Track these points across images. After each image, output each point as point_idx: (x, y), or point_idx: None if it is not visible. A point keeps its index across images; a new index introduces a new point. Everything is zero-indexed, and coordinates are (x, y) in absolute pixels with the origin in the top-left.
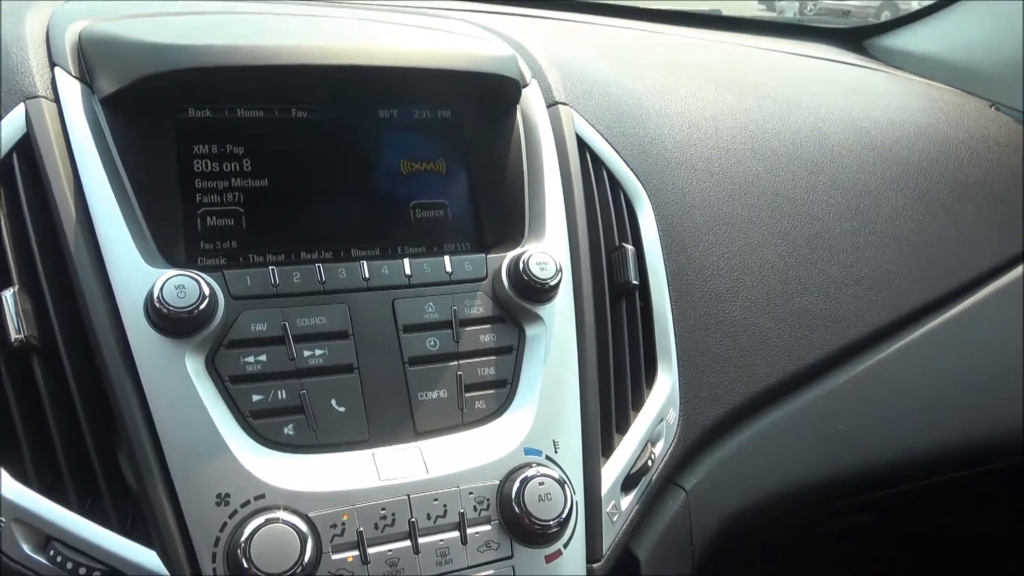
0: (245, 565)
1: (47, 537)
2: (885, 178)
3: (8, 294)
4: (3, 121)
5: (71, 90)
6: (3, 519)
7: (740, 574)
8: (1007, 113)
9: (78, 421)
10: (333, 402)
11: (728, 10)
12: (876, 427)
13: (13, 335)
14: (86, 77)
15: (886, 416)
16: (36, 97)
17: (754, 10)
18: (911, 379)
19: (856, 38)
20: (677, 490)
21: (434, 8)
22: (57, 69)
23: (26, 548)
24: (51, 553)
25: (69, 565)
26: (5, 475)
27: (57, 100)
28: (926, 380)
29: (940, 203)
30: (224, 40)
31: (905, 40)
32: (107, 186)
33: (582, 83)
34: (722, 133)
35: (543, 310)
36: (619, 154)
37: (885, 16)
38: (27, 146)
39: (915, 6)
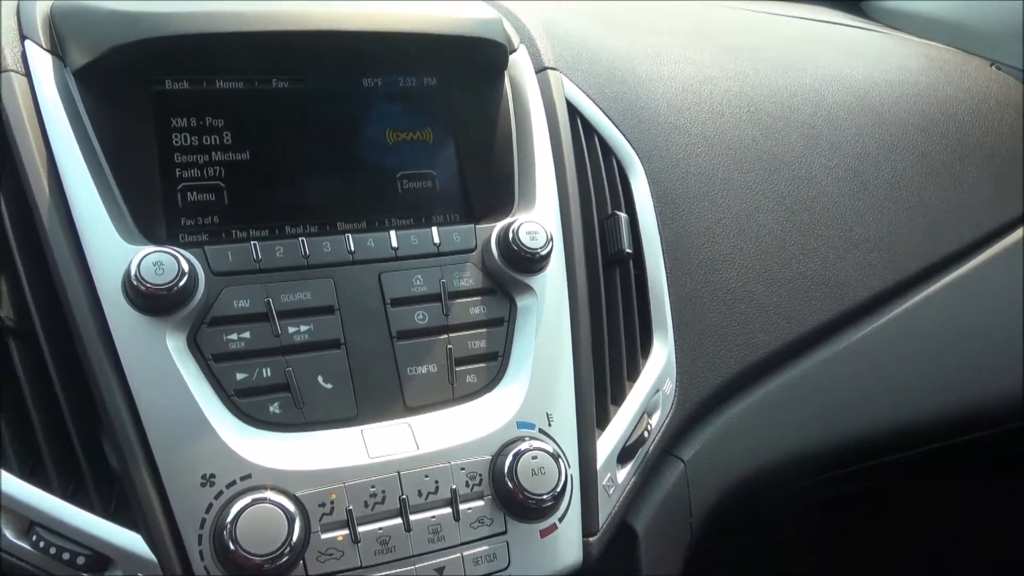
0: (232, 547)
1: (30, 523)
2: (884, 140)
3: None
4: None
5: (43, 63)
6: None
7: (739, 544)
8: (1008, 72)
9: (58, 404)
10: (320, 379)
11: None
12: (877, 393)
13: None
14: (58, 50)
15: (887, 382)
16: (6, 71)
17: None
18: (912, 344)
19: None
20: (675, 461)
21: None
22: (28, 42)
23: (9, 534)
24: (34, 539)
25: (53, 550)
26: None
27: (28, 74)
28: (927, 345)
29: (940, 164)
30: (199, 8)
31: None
32: (81, 162)
33: (572, 48)
34: (716, 97)
35: (534, 281)
36: (611, 119)
37: None
38: None
39: None
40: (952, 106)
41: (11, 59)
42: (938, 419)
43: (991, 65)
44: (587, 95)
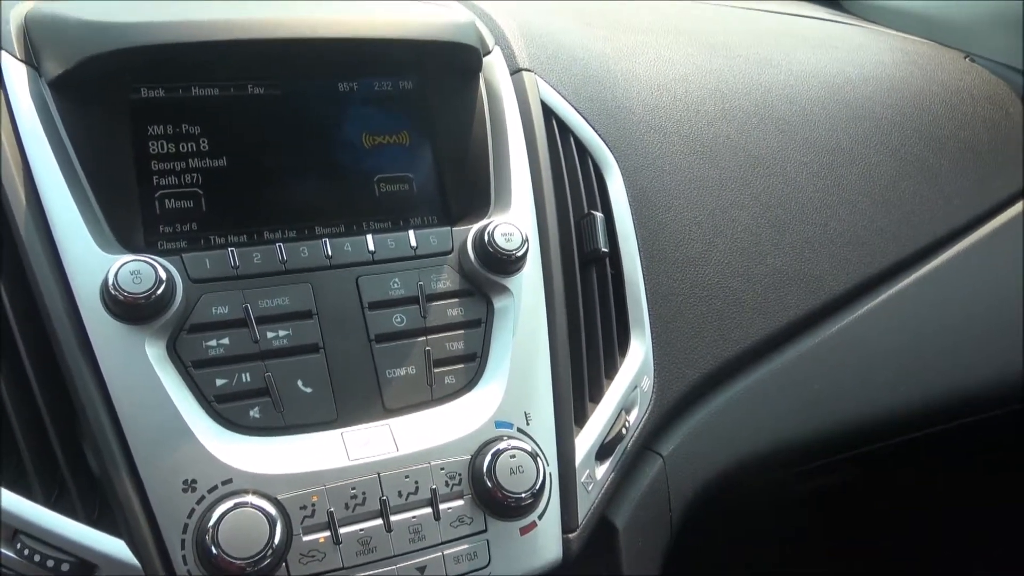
0: (214, 551)
1: (14, 530)
2: (858, 135)
3: None
4: None
5: (17, 73)
6: None
7: (719, 537)
8: (982, 64)
9: (39, 412)
10: (299, 383)
11: None
12: (853, 385)
13: None
14: (32, 60)
15: (863, 374)
16: None
17: None
18: (887, 336)
19: None
20: (654, 456)
21: None
22: (3, 53)
23: None
24: (18, 546)
25: (37, 558)
26: None
27: (2, 84)
28: (902, 337)
29: (914, 158)
30: (173, 16)
31: None
32: (57, 171)
33: (547, 48)
34: (691, 95)
35: (510, 282)
36: (586, 120)
37: None
38: None
39: None
40: (926, 99)
41: None
42: (915, 409)
43: (965, 57)
44: (562, 95)
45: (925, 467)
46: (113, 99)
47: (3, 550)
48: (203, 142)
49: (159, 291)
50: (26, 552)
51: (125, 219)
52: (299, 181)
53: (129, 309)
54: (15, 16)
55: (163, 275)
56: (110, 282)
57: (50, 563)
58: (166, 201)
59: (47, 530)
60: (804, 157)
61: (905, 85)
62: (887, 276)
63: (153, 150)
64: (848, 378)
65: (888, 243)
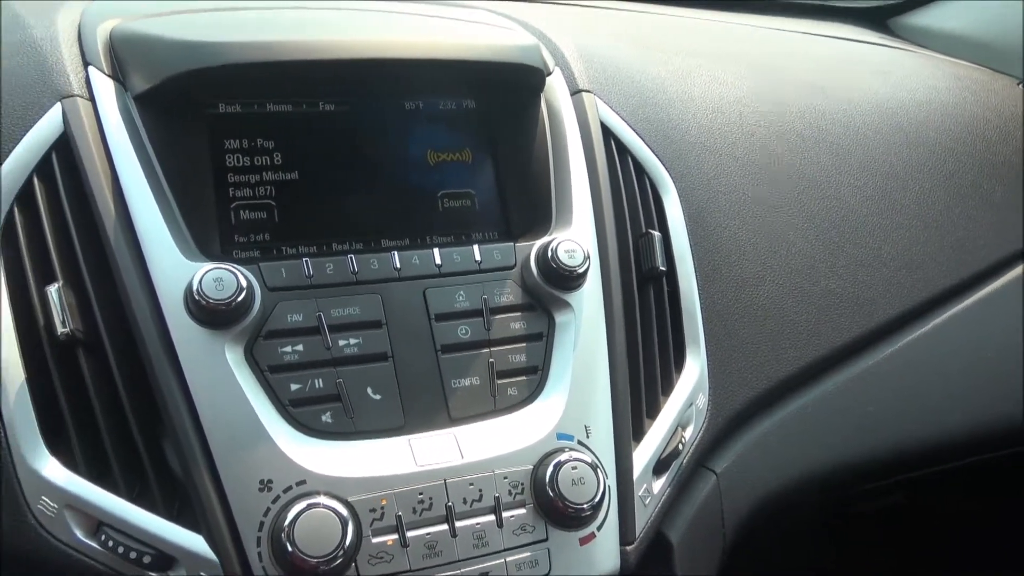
0: (289, 548)
1: (98, 523)
2: (912, 160)
3: (53, 289)
4: (41, 121)
5: (105, 88)
6: (55, 506)
7: (771, 555)
8: None
9: (124, 412)
10: (369, 390)
11: None
12: (906, 409)
13: (59, 329)
14: (119, 75)
15: (916, 398)
16: (72, 96)
17: None
18: (941, 361)
19: (880, 17)
20: (708, 473)
21: None
22: (91, 68)
23: (79, 533)
24: (102, 538)
25: (120, 549)
26: (56, 464)
27: (92, 98)
28: (956, 361)
29: (968, 184)
30: (253, 36)
31: (931, 18)
32: (144, 182)
33: (605, 70)
34: (746, 117)
35: (572, 297)
36: (644, 140)
37: None
38: (65, 145)
39: None
40: (980, 125)
41: (76, 85)
42: (969, 434)
43: (1019, 84)
44: (620, 116)
45: (979, 492)
46: (193, 113)
47: (89, 541)
48: (276, 156)
49: (240, 298)
50: (110, 543)
51: (203, 228)
52: (366, 195)
53: (211, 315)
54: (101, 33)
55: (244, 283)
56: (194, 288)
57: (132, 554)
58: (241, 212)
59: (130, 523)
60: (858, 181)
61: (959, 111)
62: (941, 301)
63: (229, 163)
64: (901, 402)
65: (942, 268)
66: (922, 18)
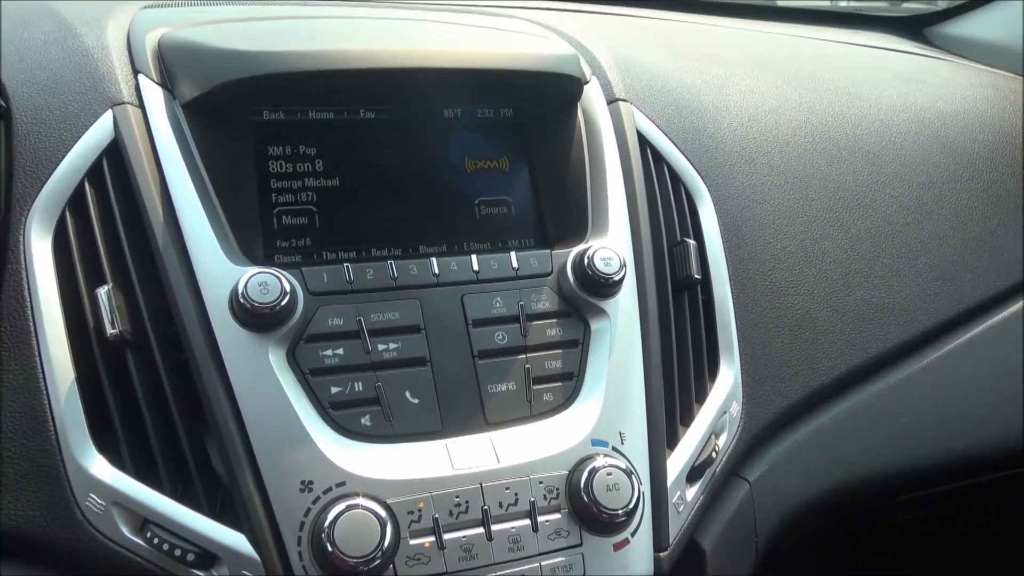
0: (329, 548)
1: (144, 520)
2: (949, 170)
3: (103, 291)
4: (93, 127)
5: (155, 96)
6: (103, 503)
7: (804, 564)
8: None
9: (170, 412)
10: (407, 394)
11: None
12: (941, 420)
13: (108, 330)
14: (167, 83)
15: (951, 409)
16: (122, 103)
17: None
18: (977, 372)
19: (916, 26)
20: (741, 482)
21: (494, 6)
22: (140, 76)
23: (125, 530)
24: (148, 535)
25: (165, 546)
26: (104, 462)
27: (142, 106)
28: (992, 373)
29: (1006, 194)
30: (299, 46)
31: (967, 27)
32: (191, 188)
33: (641, 79)
34: (781, 126)
35: (607, 304)
36: (679, 149)
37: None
38: (115, 150)
39: None
40: (1018, 135)
41: (126, 92)
42: (1006, 447)
43: None
44: (656, 125)
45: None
46: (238, 120)
47: (134, 538)
48: (318, 163)
49: (284, 302)
50: (155, 540)
51: (247, 233)
52: (405, 201)
53: (256, 318)
54: (150, 41)
55: (287, 287)
56: (239, 292)
57: (176, 552)
58: (283, 217)
59: (175, 521)
60: (894, 191)
61: (996, 120)
62: (977, 311)
63: (273, 169)
64: (936, 413)
65: (978, 278)
66: (959, 27)
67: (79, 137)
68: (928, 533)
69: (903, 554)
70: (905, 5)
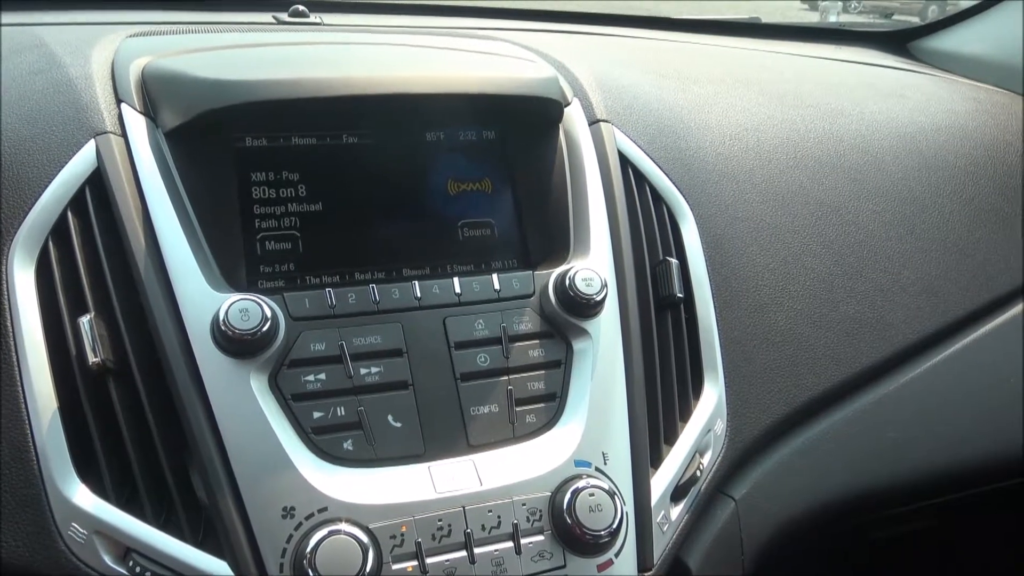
0: (311, 574)
1: (126, 549)
2: (931, 184)
3: (85, 320)
4: (76, 157)
5: (137, 125)
6: (85, 532)
7: None
8: None
9: (152, 439)
10: (389, 418)
11: (769, 10)
12: (927, 435)
13: (91, 359)
14: (150, 111)
15: (937, 423)
16: (105, 133)
17: (796, 9)
18: (962, 386)
19: (899, 41)
20: (726, 499)
21: (473, 28)
22: (123, 105)
23: (107, 559)
24: (130, 564)
25: (147, 575)
26: (86, 491)
27: (124, 135)
28: (978, 386)
29: (988, 208)
30: (282, 73)
31: (950, 41)
32: (173, 216)
33: (623, 100)
34: (763, 144)
35: (590, 325)
36: (661, 168)
37: (932, 13)
38: (98, 180)
39: (962, 5)
40: (1000, 149)
41: (109, 122)
42: (991, 460)
43: None
44: (638, 145)
45: (1002, 520)
46: (221, 147)
47: (117, 567)
48: (301, 188)
49: (264, 328)
50: (137, 569)
51: (230, 259)
52: (388, 225)
53: (237, 344)
54: (134, 70)
55: (268, 313)
56: (220, 319)
57: None
58: (267, 242)
59: (157, 550)
60: (877, 206)
61: (978, 134)
62: (961, 325)
63: (256, 195)
64: (922, 428)
65: (962, 293)
66: (942, 41)
67: (62, 167)
68: (916, 547)
69: (892, 569)
70: (893, 19)
